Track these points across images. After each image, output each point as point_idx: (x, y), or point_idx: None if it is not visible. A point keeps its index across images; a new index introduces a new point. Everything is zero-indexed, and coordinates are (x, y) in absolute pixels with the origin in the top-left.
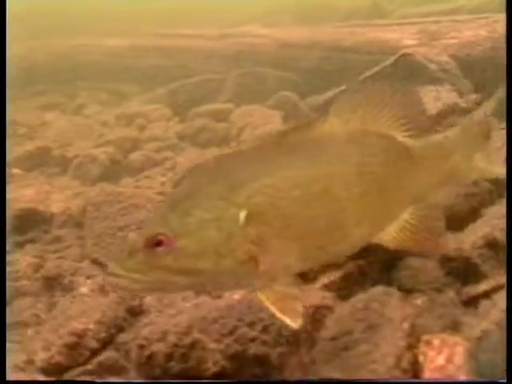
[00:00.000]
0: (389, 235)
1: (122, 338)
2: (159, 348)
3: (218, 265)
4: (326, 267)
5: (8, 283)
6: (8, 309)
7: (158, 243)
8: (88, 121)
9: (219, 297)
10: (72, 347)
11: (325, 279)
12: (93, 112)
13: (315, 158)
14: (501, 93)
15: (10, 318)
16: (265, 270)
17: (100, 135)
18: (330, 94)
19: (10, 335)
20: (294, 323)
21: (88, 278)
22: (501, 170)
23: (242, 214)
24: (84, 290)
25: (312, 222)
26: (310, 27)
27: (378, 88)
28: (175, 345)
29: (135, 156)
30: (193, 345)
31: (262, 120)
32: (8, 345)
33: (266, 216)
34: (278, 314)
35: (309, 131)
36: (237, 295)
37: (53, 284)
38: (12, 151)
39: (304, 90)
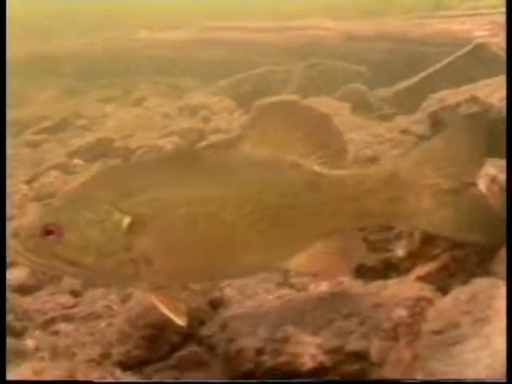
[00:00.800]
0: (298, 261)
1: (204, 331)
2: (250, 342)
3: (99, 263)
4: (420, 258)
5: None
6: (79, 300)
7: (50, 232)
8: (149, 112)
9: (303, 289)
10: (152, 340)
11: (420, 270)
12: (153, 104)
13: (213, 179)
14: (431, 143)
15: (81, 309)
16: (146, 276)
17: (163, 126)
18: (399, 86)
19: (82, 327)
20: (180, 321)
21: None
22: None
23: (125, 221)
24: None
25: (196, 240)
26: (375, 19)
27: (292, 112)
28: (267, 339)
29: (202, 147)
30: (286, 338)
31: (330, 112)
32: (82, 337)
33: (148, 227)
34: (166, 312)
35: (217, 153)
36: (323, 287)
37: None
38: (73, 142)
39: (371, 82)
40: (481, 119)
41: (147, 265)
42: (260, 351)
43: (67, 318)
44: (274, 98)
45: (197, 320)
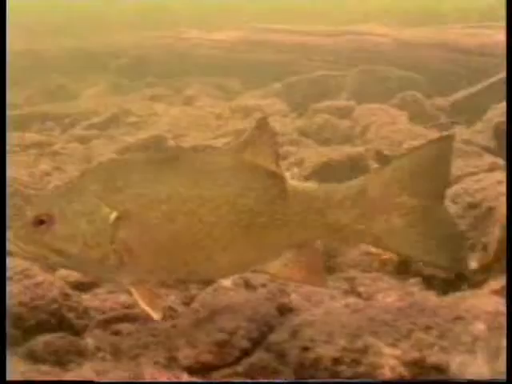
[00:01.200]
0: (274, 269)
1: (274, 337)
2: (326, 351)
3: (84, 253)
4: (491, 272)
5: None
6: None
7: (42, 222)
8: (201, 112)
9: (370, 298)
10: (222, 345)
11: (494, 284)
12: (204, 104)
13: (195, 180)
14: (400, 162)
15: (140, 308)
16: (129, 269)
17: (217, 127)
18: (457, 96)
19: (143, 328)
20: (155, 315)
21: None
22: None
23: (112, 215)
24: (227, 283)
25: (176, 238)
26: (429, 27)
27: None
28: (344, 348)
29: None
30: (365, 349)
31: (387, 119)
32: (145, 338)
33: (133, 222)
34: (144, 306)
35: (202, 155)
36: (390, 298)
37: None
38: (124, 139)
39: (427, 90)
40: (448, 142)
41: (129, 258)
42: (337, 361)
43: (128, 318)
44: (328, 103)
45: (266, 326)
